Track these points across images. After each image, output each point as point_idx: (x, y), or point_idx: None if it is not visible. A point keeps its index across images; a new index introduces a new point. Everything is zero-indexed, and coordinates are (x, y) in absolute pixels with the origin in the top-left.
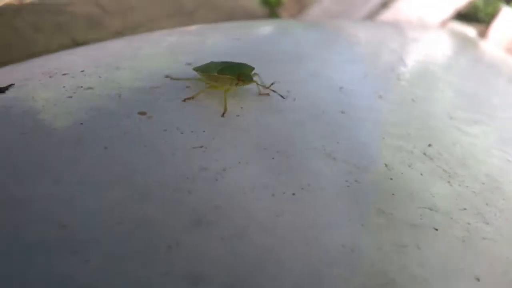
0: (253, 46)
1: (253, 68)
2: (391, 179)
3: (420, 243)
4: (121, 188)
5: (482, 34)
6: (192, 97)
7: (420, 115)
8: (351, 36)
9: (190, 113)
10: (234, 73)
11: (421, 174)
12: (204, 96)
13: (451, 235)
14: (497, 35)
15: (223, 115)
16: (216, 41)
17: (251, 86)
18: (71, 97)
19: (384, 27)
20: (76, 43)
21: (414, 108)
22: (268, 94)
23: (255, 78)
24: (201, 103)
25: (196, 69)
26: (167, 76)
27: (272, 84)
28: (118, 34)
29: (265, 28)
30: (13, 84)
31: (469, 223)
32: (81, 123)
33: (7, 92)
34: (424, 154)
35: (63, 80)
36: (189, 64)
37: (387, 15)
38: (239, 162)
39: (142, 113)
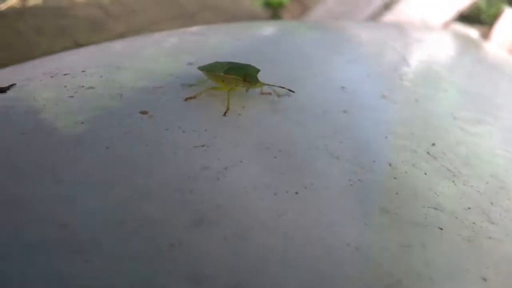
0: (254, 46)
1: (258, 70)
2: (395, 178)
3: (425, 242)
4: (122, 187)
5: (485, 36)
6: (194, 97)
7: (424, 115)
8: (354, 36)
9: (192, 113)
10: (240, 74)
11: (425, 174)
12: (206, 96)
13: (456, 235)
14: (500, 37)
15: (225, 114)
16: (217, 41)
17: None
18: (72, 96)
19: (387, 28)
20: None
21: (417, 108)
22: (270, 94)
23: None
24: (203, 103)
25: (201, 68)
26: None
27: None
28: (121, 37)
29: (267, 28)
30: (15, 84)
31: (474, 223)
32: (82, 123)
33: (8, 92)
34: (428, 153)
35: (64, 80)
36: (190, 64)
37: (390, 17)
38: (241, 161)
39: (143, 112)
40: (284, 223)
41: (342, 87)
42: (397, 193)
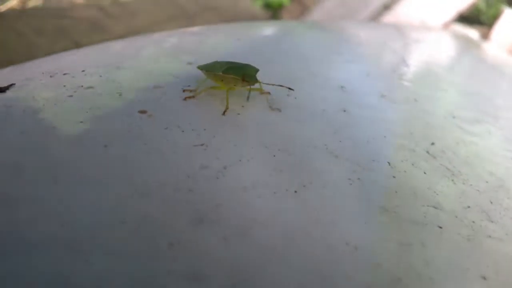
0: (254, 46)
1: (257, 70)
2: (394, 177)
3: (425, 241)
4: (122, 186)
5: (485, 36)
6: (193, 96)
7: (423, 114)
8: (353, 36)
9: (191, 112)
10: (239, 73)
11: (425, 173)
12: (205, 95)
13: (456, 234)
14: (500, 37)
15: (224, 113)
16: (217, 41)
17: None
18: (71, 96)
19: (386, 28)
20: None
21: (416, 108)
22: (269, 93)
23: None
24: (202, 102)
25: (200, 67)
26: (184, 90)
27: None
28: (121, 37)
29: (266, 28)
30: (14, 84)
31: (473, 222)
32: (81, 122)
33: (7, 91)
34: (427, 152)
35: (63, 79)
36: (190, 63)
37: (389, 18)
38: (240, 160)
39: (142, 112)
40: (283, 221)
41: (341, 87)
42: (396, 192)
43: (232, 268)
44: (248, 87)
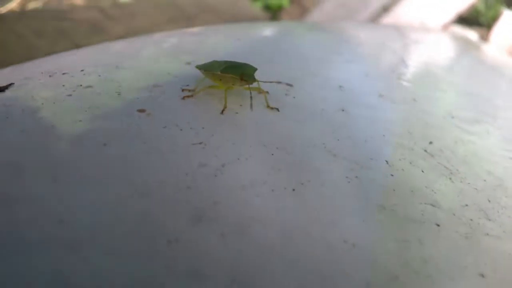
0: (253, 46)
1: (256, 69)
2: (392, 175)
3: (422, 239)
4: (120, 184)
5: (484, 38)
6: (192, 95)
7: (421, 114)
8: (352, 37)
9: (190, 111)
10: (237, 72)
11: (422, 171)
12: (203, 94)
13: (453, 232)
14: (499, 39)
15: (222, 112)
16: (216, 41)
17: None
18: (70, 95)
19: (385, 29)
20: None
21: (415, 107)
22: (267, 93)
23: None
24: (201, 101)
25: (199, 67)
26: (183, 90)
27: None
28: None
29: (266, 29)
30: (13, 84)
31: (471, 220)
32: (80, 121)
33: (6, 91)
34: (425, 151)
35: (62, 79)
36: (189, 63)
37: (388, 20)
38: (238, 159)
39: (141, 111)
40: (281, 219)
41: (340, 86)
42: (394, 190)
43: (231, 266)
44: (247, 86)
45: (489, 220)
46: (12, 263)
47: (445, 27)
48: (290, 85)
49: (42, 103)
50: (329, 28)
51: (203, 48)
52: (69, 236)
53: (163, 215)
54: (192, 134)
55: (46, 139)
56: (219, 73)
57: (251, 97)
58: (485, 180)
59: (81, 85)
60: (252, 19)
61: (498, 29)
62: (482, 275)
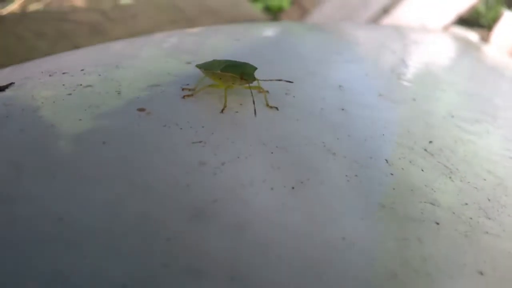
0: (254, 46)
1: (255, 68)
2: (392, 174)
3: (421, 237)
4: (120, 183)
5: (485, 39)
6: (192, 94)
7: (421, 114)
8: (352, 37)
9: (189, 110)
10: (237, 72)
11: (422, 170)
12: (203, 94)
13: (453, 230)
14: (500, 40)
15: (222, 111)
16: (216, 41)
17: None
18: (70, 94)
19: (386, 30)
20: None
21: (415, 107)
22: (267, 92)
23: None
24: (201, 100)
25: (199, 66)
26: (183, 89)
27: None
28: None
29: (265, 29)
30: (13, 83)
31: (471, 218)
32: (80, 119)
33: (6, 90)
34: (425, 150)
35: (62, 78)
36: (189, 63)
37: (388, 21)
38: (238, 157)
39: (141, 110)
40: (280, 217)
41: (340, 86)
42: (393, 189)
43: (229, 263)
44: (247, 85)
45: (489, 218)
46: (12, 262)
47: (445, 29)
48: (291, 82)
49: (42, 102)
50: (328, 29)
51: (203, 48)
52: (69, 235)
53: (162, 213)
54: (192, 133)
55: (46, 138)
56: (219, 72)
57: (253, 102)
58: (485, 179)
59: (81, 85)
60: (253, 20)
61: (499, 30)
62: (481, 273)
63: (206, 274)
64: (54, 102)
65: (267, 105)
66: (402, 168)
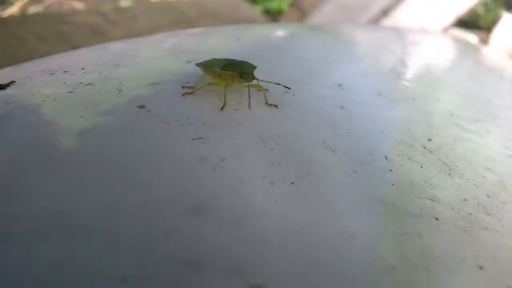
0: (253, 46)
1: (255, 67)
2: (391, 170)
3: (421, 232)
4: (120, 177)
5: (484, 41)
6: (192, 92)
7: (421, 112)
8: (352, 38)
9: (190, 107)
10: (237, 70)
11: (421, 166)
12: (203, 91)
13: (452, 225)
14: (499, 42)
15: (222, 108)
16: (216, 41)
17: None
18: (71, 92)
19: (385, 31)
20: None
21: (414, 106)
22: (266, 90)
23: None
24: (201, 98)
25: (199, 64)
26: (183, 87)
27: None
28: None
29: (265, 30)
30: (14, 81)
31: (470, 214)
32: (81, 116)
33: (7, 88)
34: (424, 147)
35: (63, 77)
36: (189, 62)
37: (388, 23)
38: (238, 153)
39: (141, 107)
40: (280, 212)
41: (339, 85)
42: (393, 185)
43: (229, 255)
44: (246, 84)
45: (488, 214)
46: (12, 255)
47: (444, 31)
48: (288, 88)
49: (43, 100)
50: (328, 30)
51: (203, 48)
52: (69, 228)
53: (162, 207)
54: (192, 130)
55: (47, 135)
56: (218, 70)
57: (249, 96)
58: (484, 176)
59: (81, 83)
60: (252, 23)
61: (498, 32)
62: (481, 267)
63: (206, 267)
64: (55, 100)
65: (267, 103)
66: (402, 165)
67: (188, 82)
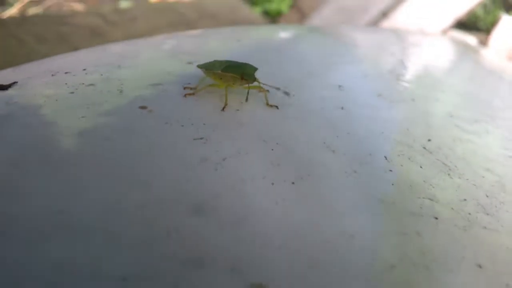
0: (253, 47)
1: (256, 69)
2: (391, 170)
3: (420, 231)
4: (122, 177)
5: (483, 43)
6: (193, 93)
7: (420, 113)
8: (351, 39)
9: (191, 108)
10: (238, 72)
11: (421, 167)
12: (204, 93)
13: (452, 225)
14: (498, 43)
15: (223, 109)
16: (217, 43)
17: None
18: (72, 93)
19: (385, 32)
20: None
21: (414, 107)
22: (267, 91)
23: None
24: (202, 99)
25: (200, 66)
26: (185, 88)
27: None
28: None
29: (265, 31)
30: (16, 82)
31: (469, 213)
32: (83, 117)
33: (9, 89)
34: (424, 148)
35: (65, 78)
36: (190, 63)
37: (387, 25)
38: (239, 153)
39: (143, 107)
40: (280, 211)
41: (340, 86)
42: (392, 185)
43: (230, 254)
44: (247, 85)
45: (487, 214)
46: (13, 255)
47: (444, 32)
48: (287, 94)
49: (45, 101)
50: (328, 31)
51: (203, 49)
52: (69, 228)
53: (163, 207)
54: (194, 130)
55: (49, 135)
56: (220, 72)
57: (248, 92)
58: (483, 177)
59: (83, 84)
60: (251, 24)
61: (497, 34)
62: (480, 266)
63: (207, 266)
64: (56, 100)
65: (267, 104)
66: (401, 165)
67: (189, 83)
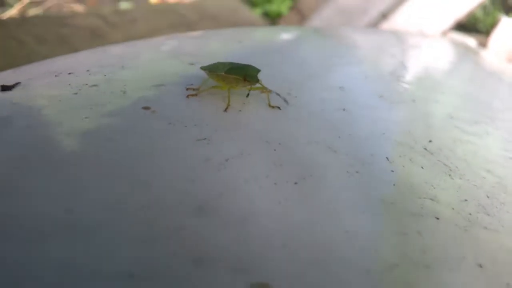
0: (253, 49)
1: (259, 70)
2: (392, 171)
3: (421, 231)
4: (125, 177)
5: (482, 44)
6: (196, 94)
7: (421, 114)
8: (352, 41)
9: (194, 108)
10: (241, 73)
11: (422, 168)
12: (207, 94)
13: (452, 225)
14: (497, 45)
15: (225, 110)
16: (218, 44)
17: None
18: (76, 93)
19: (385, 34)
20: None
21: (414, 108)
22: (270, 91)
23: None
24: (204, 100)
25: (203, 68)
26: (187, 89)
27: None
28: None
29: (265, 33)
30: (20, 83)
31: (470, 214)
32: (86, 117)
33: (13, 90)
34: (425, 149)
35: (68, 78)
36: (192, 64)
37: (387, 26)
38: (242, 153)
39: (146, 108)
40: (283, 211)
41: (340, 87)
42: (394, 185)
43: (233, 253)
44: (249, 86)
45: (488, 215)
46: (14, 254)
47: (443, 34)
48: (286, 102)
49: (48, 101)
50: (328, 33)
51: (204, 51)
52: (75, 226)
53: (168, 206)
54: (197, 130)
55: (52, 136)
56: (223, 74)
57: (248, 92)
58: (484, 178)
59: (86, 84)
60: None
61: (497, 35)
62: (480, 266)
63: (211, 264)
64: (60, 101)
65: (270, 105)
66: (403, 166)
67: (192, 84)
